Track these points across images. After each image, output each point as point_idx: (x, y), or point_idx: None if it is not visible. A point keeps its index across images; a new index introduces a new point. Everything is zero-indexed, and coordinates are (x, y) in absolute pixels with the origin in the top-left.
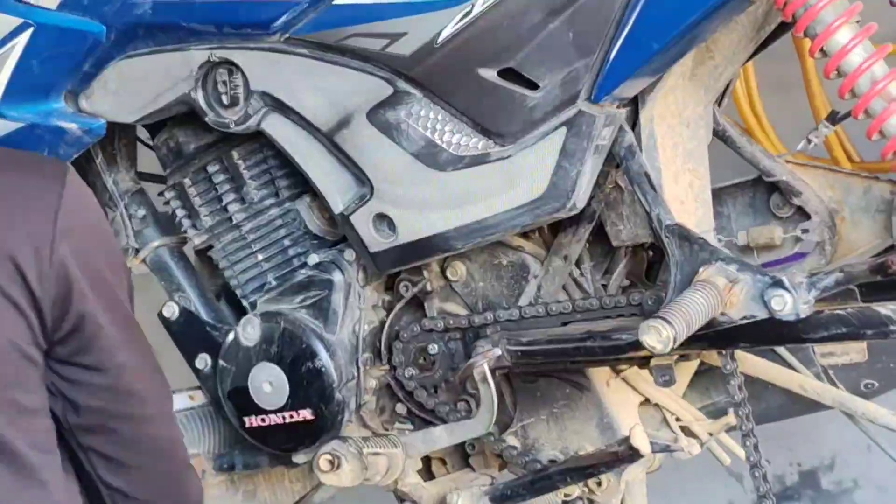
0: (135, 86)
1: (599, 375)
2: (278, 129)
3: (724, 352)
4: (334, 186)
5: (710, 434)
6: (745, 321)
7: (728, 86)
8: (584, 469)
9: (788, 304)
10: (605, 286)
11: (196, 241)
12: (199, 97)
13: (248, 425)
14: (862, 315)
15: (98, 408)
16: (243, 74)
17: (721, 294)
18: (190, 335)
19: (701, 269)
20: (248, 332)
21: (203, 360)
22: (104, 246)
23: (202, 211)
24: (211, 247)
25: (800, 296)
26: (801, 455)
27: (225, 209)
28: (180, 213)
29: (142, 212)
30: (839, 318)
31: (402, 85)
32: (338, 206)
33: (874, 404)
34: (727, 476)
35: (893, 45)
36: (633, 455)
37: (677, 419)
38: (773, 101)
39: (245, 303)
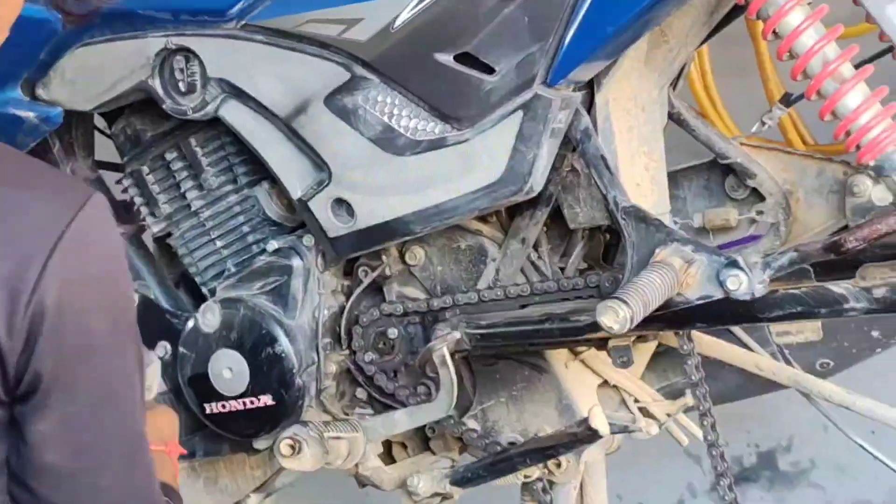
0: (91, 74)
1: (558, 357)
2: (236, 115)
3: (680, 332)
4: (292, 172)
5: (668, 415)
6: (702, 301)
7: (683, 69)
8: (544, 450)
9: (744, 284)
10: (562, 269)
11: (154, 228)
12: (157, 84)
13: (208, 412)
14: (816, 294)
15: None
16: (200, 61)
17: (677, 275)
18: (149, 323)
19: (657, 250)
20: (208, 318)
21: (163, 348)
22: (105, 305)
23: (160, 198)
24: (169, 234)
25: (755, 275)
26: (758, 436)
27: (183, 196)
28: (138, 200)
29: None
30: (794, 298)
31: (359, 70)
32: (296, 192)
33: (830, 383)
34: (686, 458)
35: (845, 26)
36: (591, 436)
37: (635, 400)
38: (728, 85)
39: (204, 290)
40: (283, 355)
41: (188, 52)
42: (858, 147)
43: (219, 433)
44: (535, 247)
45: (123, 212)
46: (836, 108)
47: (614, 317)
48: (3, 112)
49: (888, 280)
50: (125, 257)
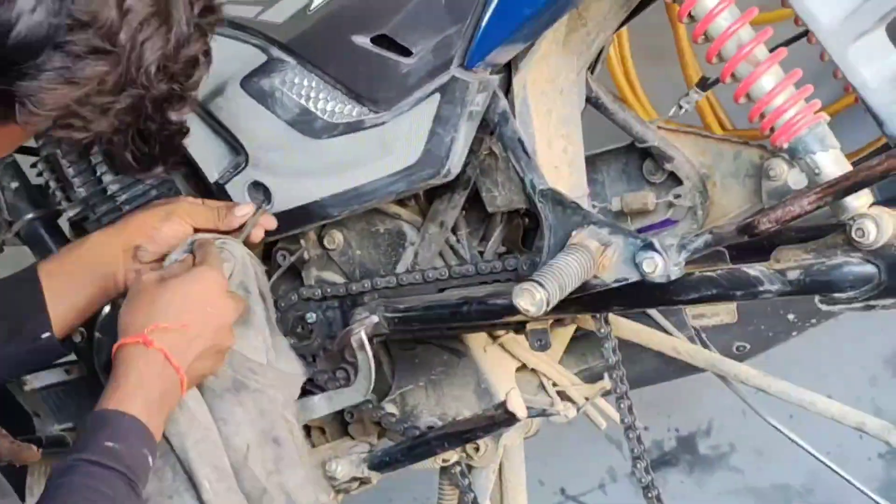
0: None
1: (476, 341)
2: None
3: (597, 315)
4: (209, 155)
5: (587, 398)
6: (618, 284)
7: (601, 53)
8: (462, 434)
9: (659, 266)
10: (481, 252)
11: (70, 212)
12: None
13: None
14: (731, 276)
15: None
16: None
17: (593, 257)
18: None
19: (574, 233)
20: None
21: (79, 333)
22: None
23: (76, 182)
24: (86, 218)
25: (670, 258)
26: (678, 421)
27: (99, 180)
28: (53, 184)
29: (14, 184)
30: (709, 280)
31: (276, 52)
32: (213, 175)
33: (746, 366)
34: (607, 443)
35: (760, 10)
36: (509, 419)
37: (554, 384)
38: (648, 69)
39: None
40: None
41: None
42: (772, 129)
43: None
44: (454, 230)
45: (39, 196)
46: (751, 91)
47: (530, 299)
48: None
49: (802, 262)
50: None
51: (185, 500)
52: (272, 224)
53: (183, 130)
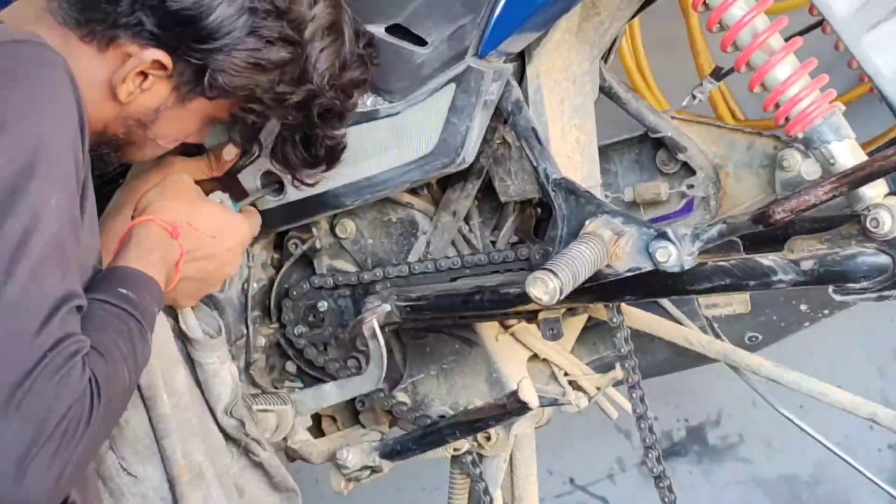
0: None
1: (488, 330)
2: None
3: (610, 305)
4: (221, 143)
5: (598, 388)
6: (631, 273)
7: (614, 42)
8: (473, 423)
9: (673, 256)
10: (493, 242)
11: None
12: None
13: None
14: (744, 266)
15: None
16: None
17: (607, 246)
18: None
19: (587, 223)
20: None
21: None
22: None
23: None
24: None
25: (684, 247)
26: (687, 411)
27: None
28: None
29: None
30: (722, 270)
31: None
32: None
33: (758, 357)
34: (616, 432)
35: None
36: (520, 408)
37: (565, 374)
38: (660, 59)
39: None
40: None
41: None
42: (787, 119)
43: None
44: (467, 220)
45: None
46: (766, 80)
47: (543, 288)
48: None
49: (816, 252)
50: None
51: (131, 415)
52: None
53: (342, 145)
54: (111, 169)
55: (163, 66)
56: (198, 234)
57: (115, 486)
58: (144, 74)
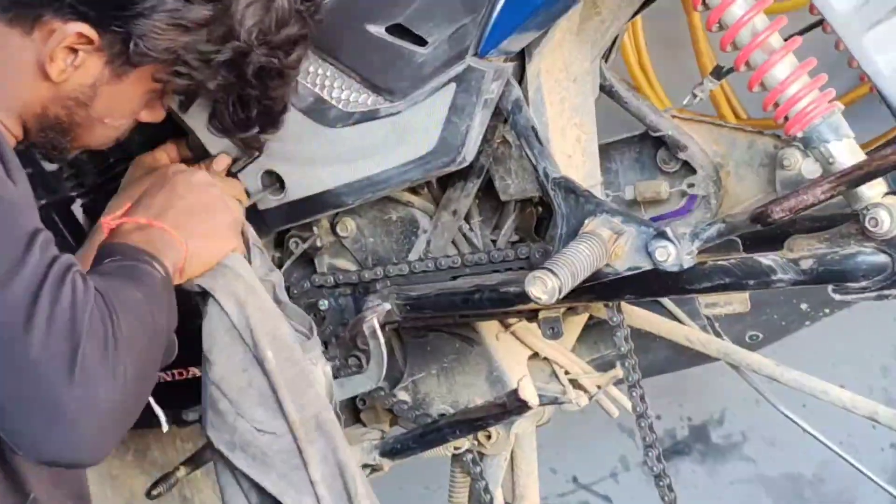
0: None
1: (488, 329)
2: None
3: (610, 304)
4: (222, 143)
5: (599, 387)
6: (630, 272)
7: (615, 41)
8: (474, 422)
9: (672, 255)
10: (493, 241)
11: (83, 199)
12: None
13: None
14: (744, 265)
15: None
16: None
17: (606, 245)
18: None
19: (586, 221)
20: None
21: None
22: None
23: (90, 172)
24: (98, 204)
25: (683, 247)
26: (691, 410)
27: (111, 167)
28: (67, 171)
29: (28, 170)
30: (722, 269)
31: None
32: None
33: (759, 355)
34: (619, 431)
35: None
36: (521, 407)
37: (566, 372)
38: (663, 57)
39: None
40: None
41: None
42: (786, 118)
43: (148, 404)
44: (467, 218)
45: (53, 182)
46: (765, 79)
47: (542, 287)
48: None
49: (815, 251)
50: None
51: (252, 375)
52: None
53: (282, 107)
54: (68, 156)
55: (88, 40)
56: (174, 201)
57: (257, 450)
58: (74, 51)
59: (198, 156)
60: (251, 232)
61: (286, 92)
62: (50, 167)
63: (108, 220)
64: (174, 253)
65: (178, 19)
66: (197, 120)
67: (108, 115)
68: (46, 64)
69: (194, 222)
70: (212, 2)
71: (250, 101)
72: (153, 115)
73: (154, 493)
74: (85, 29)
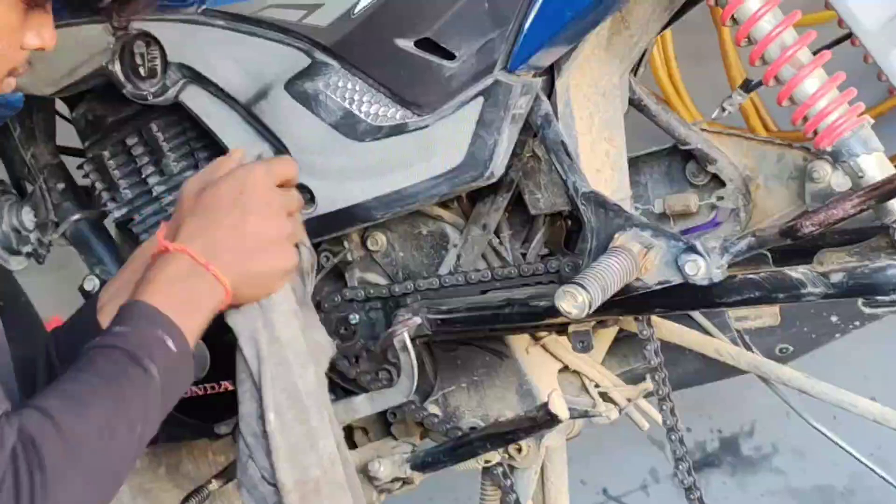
0: (52, 58)
1: (519, 343)
2: (196, 100)
3: (640, 317)
4: (253, 158)
5: (629, 400)
6: (660, 286)
7: (644, 55)
8: (504, 435)
9: (702, 269)
10: (523, 255)
11: (116, 213)
12: (117, 69)
13: None
14: (774, 279)
15: None
16: (160, 46)
17: (636, 259)
18: None
19: (616, 236)
20: None
21: None
22: None
23: (122, 184)
24: (131, 219)
25: (713, 260)
26: (721, 422)
27: (144, 181)
28: (99, 185)
29: (61, 185)
30: (752, 283)
31: (320, 56)
32: None
33: (789, 368)
34: (650, 444)
35: (803, 13)
36: (551, 420)
37: (596, 385)
38: (692, 70)
39: None
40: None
41: (148, 37)
42: (816, 132)
43: (181, 418)
44: (497, 232)
45: (85, 197)
46: (794, 94)
47: (573, 301)
48: None
49: (845, 265)
50: None
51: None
52: None
53: None
54: None
55: None
56: (239, 242)
57: (261, 497)
58: None
59: None
60: (307, 258)
61: None
62: (83, 182)
63: (161, 236)
64: (214, 300)
65: None
66: (218, 121)
67: None
68: None
69: (250, 269)
70: None
71: None
72: (41, 39)
73: None
74: None
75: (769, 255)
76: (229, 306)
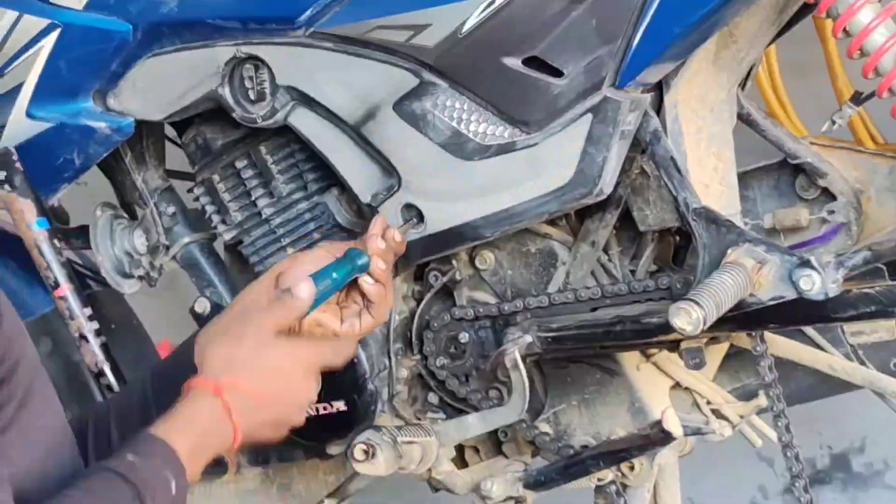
0: (162, 84)
1: (629, 360)
2: (305, 122)
3: (753, 333)
4: (362, 178)
5: (741, 416)
6: (774, 302)
7: (751, 69)
8: (617, 453)
9: (817, 284)
10: (633, 271)
11: (226, 236)
12: (226, 93)
13: None
14: (890, 293)
15: None
16: (269, 69)
17: (749, 275)
18: None
19: (729, 251)
20: None
21: None
22: None
23: (231, 206)
24: (241, 242)
25: (828, 275)
26: (830, 438)
27: (254, 204)
28: (210, 209)
29: (171, 209)
30: (867, 297)
31: (428, 76)
32: (366, 198)
33: None
34: (758, 461)
35: None
36: (665, 438)
37: (708, 402)
38: (794, 85)
39: None
40: (354, 361)
41: (257, 61)
42: None
43: (292, 439)
44: (605, 249)
45: (195, 220)
46: None
47: (687, 318)
48: (75, 123)
49: None
50: None
51: None
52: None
53: None
54: None
55: None
56: (261, 406)
57: None
58: None
59: None
60: None
61: None
62: (193, 205)
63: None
64: (221, 449)
65: None
66: (327, 143)
67: None
68: None
69: (265, 413)
70: None
71: None
72: None
73: None
74: None
75: (885, 269)
76: None
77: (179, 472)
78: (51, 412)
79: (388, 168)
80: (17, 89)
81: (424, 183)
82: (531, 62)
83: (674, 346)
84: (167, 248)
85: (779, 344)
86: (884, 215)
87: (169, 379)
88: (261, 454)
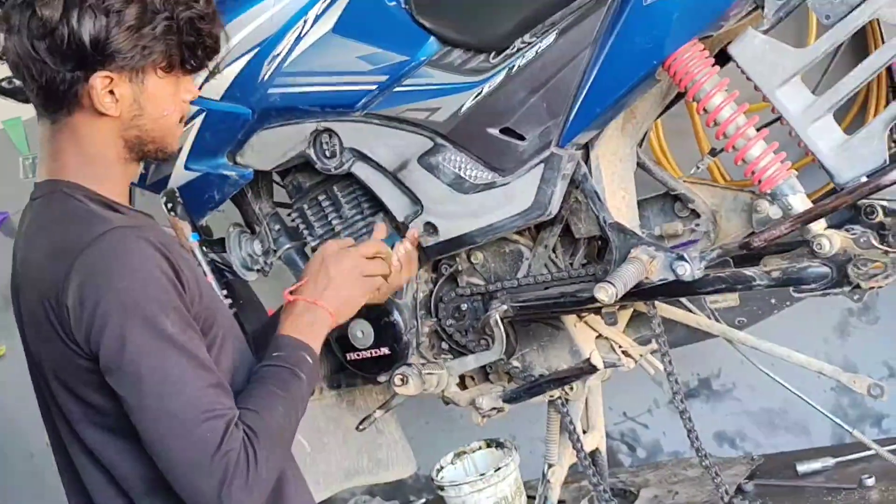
0: (271, 146)
1: (570, 320)
2: (362, 171)
3: (647, 302)
4: (398, 205)
5: (641, 355)
6: (661, 282)
7: (646, 134)
8: (562, 379)
9: (688, 271)
10: (571, 264)
11: (312, 244)
12: (311, 152)
13: (348, 359)
14: (735, 276)
15: None
16: (339, 137)
17: (645, 266)
18: None
19: (632, 251)
20: None
21: None
22: (111, 302)
23: (316, 225)
24: None
25: (694, 265)
26: (698, 368)
27: (330, 223)
28: (302, 226)
29: (277, 226)
30: (720, 279)
31: (439, 140)
32: (400, 217)
33: (744, 333)
34: (652, 383)
35: (749, 104)
36: (592, 369)
37: (619, 346)
38: (673, 142)
39: None
40: (395, 322)
41: (331, 131)
42: (760, 181)
43: (355, 372)
44: (554, 250)
45: (293, 233)
46: (745, 157)
47: (605, 293)
48: (216, 172)
49: (781, 266)
50: (137, 271)
51: None
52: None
53: (214, 42)
54: (171, 152)
55: (109, 78)
56: (329, 283)
57: None
58: (111, 92)
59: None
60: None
61: (213, 28)
62: (291, 224)
63: (287, 294)
64: (325, 325)
65: (122, 24)
66: (377, 184)
67: (159, 109)
68: (106, 110)
69: (341, 298)
70: (131, 1)
71: (194, 46)
72: (190, 91)
73: (360, 427)
74: (102, 73)
75: (731, 261)
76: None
77: (308, 349)
78: (238, 341)
79: (414, 199)
80: (179, 151)
81: (438, 209)
82: (505, 131)
83: (598, 311)
84: (275, 251)
85: (664, 308)
86: (730, 227)
87: (265, 331)
88: (335, 381)
